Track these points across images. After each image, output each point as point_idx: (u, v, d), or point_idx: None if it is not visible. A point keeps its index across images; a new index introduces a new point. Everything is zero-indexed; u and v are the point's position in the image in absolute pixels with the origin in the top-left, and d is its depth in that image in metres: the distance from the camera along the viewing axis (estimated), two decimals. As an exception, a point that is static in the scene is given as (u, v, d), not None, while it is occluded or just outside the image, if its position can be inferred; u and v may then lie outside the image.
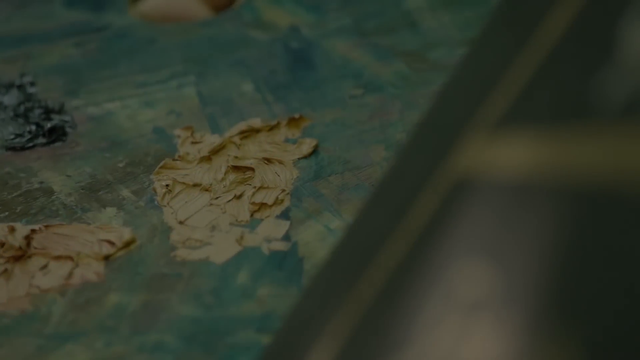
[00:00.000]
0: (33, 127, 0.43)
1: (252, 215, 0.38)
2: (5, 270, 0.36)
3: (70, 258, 0.37)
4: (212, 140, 0.41)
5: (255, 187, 0.39)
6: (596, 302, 0.16)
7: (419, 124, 0.29)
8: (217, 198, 0.38)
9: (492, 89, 0.26)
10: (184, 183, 0.39)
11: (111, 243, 0.37)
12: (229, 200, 0.38)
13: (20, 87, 0.45)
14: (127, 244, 0.37)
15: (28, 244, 0.37)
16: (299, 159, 0.40)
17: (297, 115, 0.42)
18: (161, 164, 0.40)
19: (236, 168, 0.40)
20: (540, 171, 0.20)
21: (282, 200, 0.38)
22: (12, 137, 0.43)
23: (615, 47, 0.20)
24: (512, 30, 0.26)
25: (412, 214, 0.25)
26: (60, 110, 0.44)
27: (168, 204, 0.38)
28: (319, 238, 0.36)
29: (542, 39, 0.24)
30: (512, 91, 0.24)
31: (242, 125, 0.42)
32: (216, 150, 0.41)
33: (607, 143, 0.18)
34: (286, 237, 0.37)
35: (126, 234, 0.37)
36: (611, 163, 0.18)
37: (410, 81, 0.43)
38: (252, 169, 0.40)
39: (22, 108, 0.44)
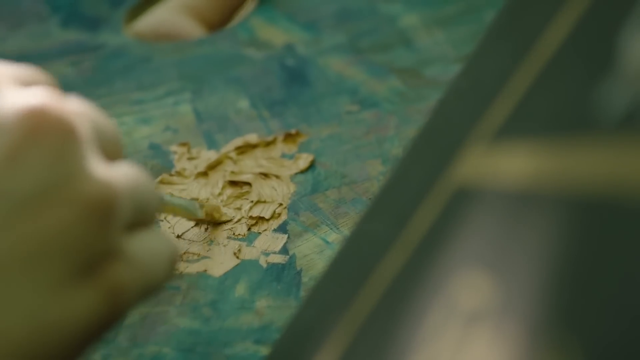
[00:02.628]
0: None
1: (249, 228, 0.38)
2: None
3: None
4: (208, 155, 0.41)
5: (252, 201, 0.39)
6: (595, 311, 0.16)
7: (418, 135, 0.29)
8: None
9: (491, 101, 0.26)
10: (181, 198, 0.39)
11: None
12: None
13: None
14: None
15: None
16: (295, 173, 0.40)
17: (293, 131, 0.42)
18: (158, 179, 0.40)
19: (233, 183, 0.40)
20: (539, 182, 0.20)
21: (279, 214, 0.38)
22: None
23: (612, 59, 0.20)
24: (510, 42, 0.27)
25: (411, 224, 0.25)
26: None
27: (165, 218, 0.38)
28: (316, 251, 0.36)
29: (541, 51, 0.24)
30: (511, 102, 0.25)
31: (238, 141, 0.42)
32: (213, 166, 0.41)
33: (605, 154, 0.18)
34: (284, 250, 0.36)
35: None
36: (610, 173, 0.18)
37: (406, 97, 0.44)
38: (249, 184, 0.40)
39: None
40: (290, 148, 0.42)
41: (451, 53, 0.46)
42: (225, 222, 0.38)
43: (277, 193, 0.39)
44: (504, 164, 0.22)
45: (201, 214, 0.37)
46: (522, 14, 0.27)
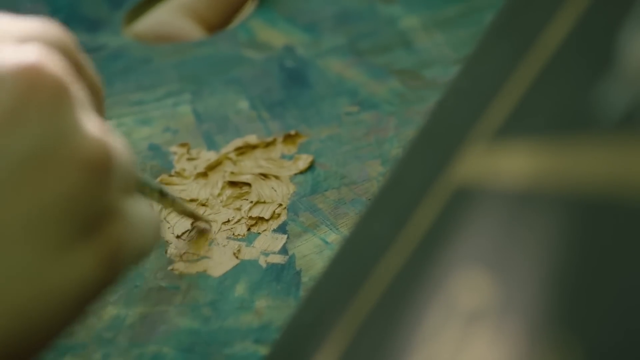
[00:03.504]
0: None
1: (249, 229, 0.38)
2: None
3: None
4: (208, 156, 0.42)
5: (252, 201, 0.39)
6: (596, 311, 0.16)
7: (417, 134, 0.29)
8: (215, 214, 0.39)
9: (491, 100, 0.26)
10: (180, 198, 0.39)
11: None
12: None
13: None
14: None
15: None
16: (295, 174, 0.40)
17: (292, 132, 0.42)
18: (158, 179, 0.41)
19: (233, 184, 0.40)
20: (539, 181, 0.20)
21: (278, 215, 0.38)
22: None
23: (612, 59, 0.20)
24: (510, 42, 0.27)
25: (411, 223, 0.25)
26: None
27: (165, 218, 0.38)
28: (316, 251, 0.36)
29: (540, 50, 0.24)
30: (511, 102, 0.25)
31: (238, 142, 0.42)
32: (212, 167, 0.41)
33: (605, 153, 0.18)
34: (283, 251, 0.37)
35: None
36: (610, 173, 0.18)
37: (405, 98, 0.44)
38: (249, 185, 0.40)
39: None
40: (290, 149, 0.42)
41: (451, 55, 0.46)
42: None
43: (276, 193, 0.39)
44: (503, 164, 0.22)
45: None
46: (521, 13, 0.27)
